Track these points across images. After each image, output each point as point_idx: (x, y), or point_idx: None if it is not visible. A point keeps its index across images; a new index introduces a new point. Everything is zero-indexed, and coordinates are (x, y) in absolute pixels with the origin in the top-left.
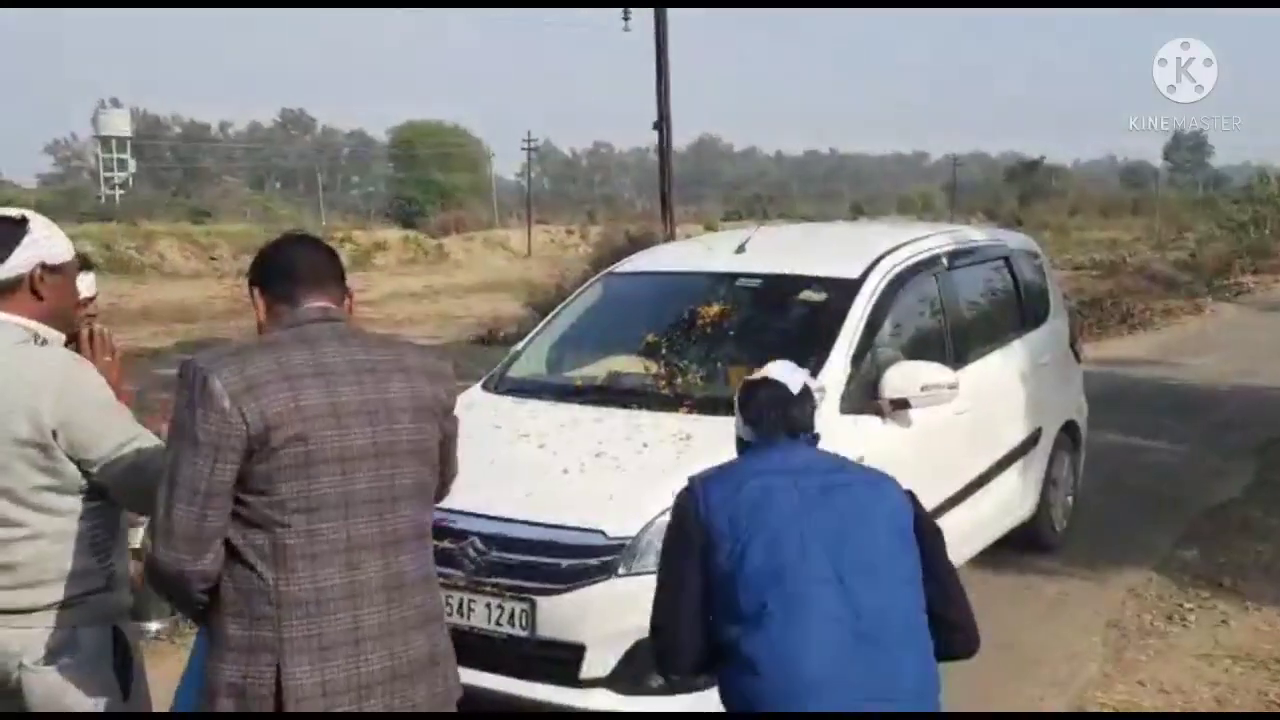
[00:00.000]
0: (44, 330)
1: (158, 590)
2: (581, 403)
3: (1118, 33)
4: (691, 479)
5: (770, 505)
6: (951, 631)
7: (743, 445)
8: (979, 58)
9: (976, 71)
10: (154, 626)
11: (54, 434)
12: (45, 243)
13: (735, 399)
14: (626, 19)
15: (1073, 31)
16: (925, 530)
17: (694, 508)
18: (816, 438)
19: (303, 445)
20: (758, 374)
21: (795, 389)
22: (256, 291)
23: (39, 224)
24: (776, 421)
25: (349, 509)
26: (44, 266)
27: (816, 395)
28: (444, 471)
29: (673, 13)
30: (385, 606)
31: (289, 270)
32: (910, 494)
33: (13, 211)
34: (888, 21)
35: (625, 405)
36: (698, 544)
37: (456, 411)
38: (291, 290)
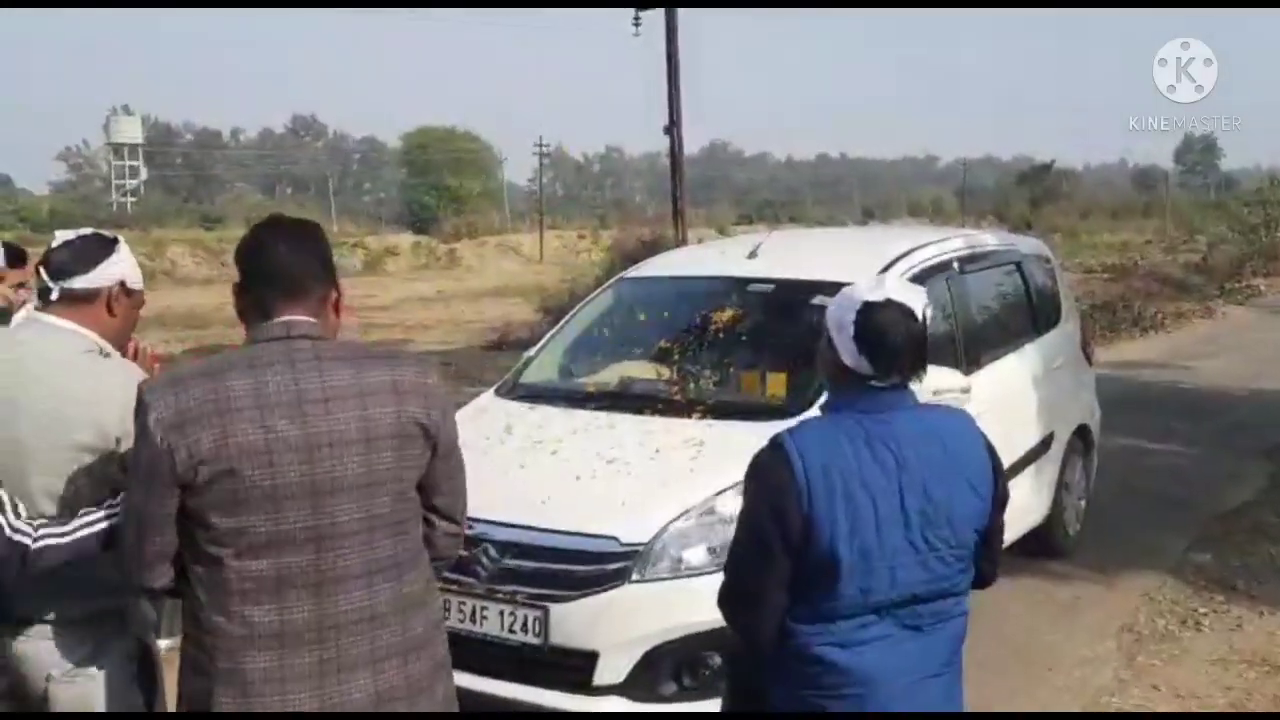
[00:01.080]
0: (105, 345)
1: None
2: (594, 408)
3: (1128, 35)
4: (782, 437)
5: (875, 486)
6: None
7: (841, 378)
8: (989, 61)
9: (987, 76)
10: (164, 644)
11: (118, 441)
12: (129, 266)
13: (845, 322)
14: (637, 23)
15: (1083, 34)
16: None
17: (790, 477)
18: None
19: (230, 482)
20: (877, 294)
21: (921, 314)
22: (235, 286)
23: (125, 249)
24: (900, 364)
25: (281, 548)
26: (123, 286)
27: (929, 318)
28: (440, 490)
29: (684, 17)
30: (317, 647)
31: (261, 274)
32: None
33: (107, 232)
34: (898, 25)
35: (638, 411)
36: (795, 521)
37: (468, 417)
38: (261, 297)
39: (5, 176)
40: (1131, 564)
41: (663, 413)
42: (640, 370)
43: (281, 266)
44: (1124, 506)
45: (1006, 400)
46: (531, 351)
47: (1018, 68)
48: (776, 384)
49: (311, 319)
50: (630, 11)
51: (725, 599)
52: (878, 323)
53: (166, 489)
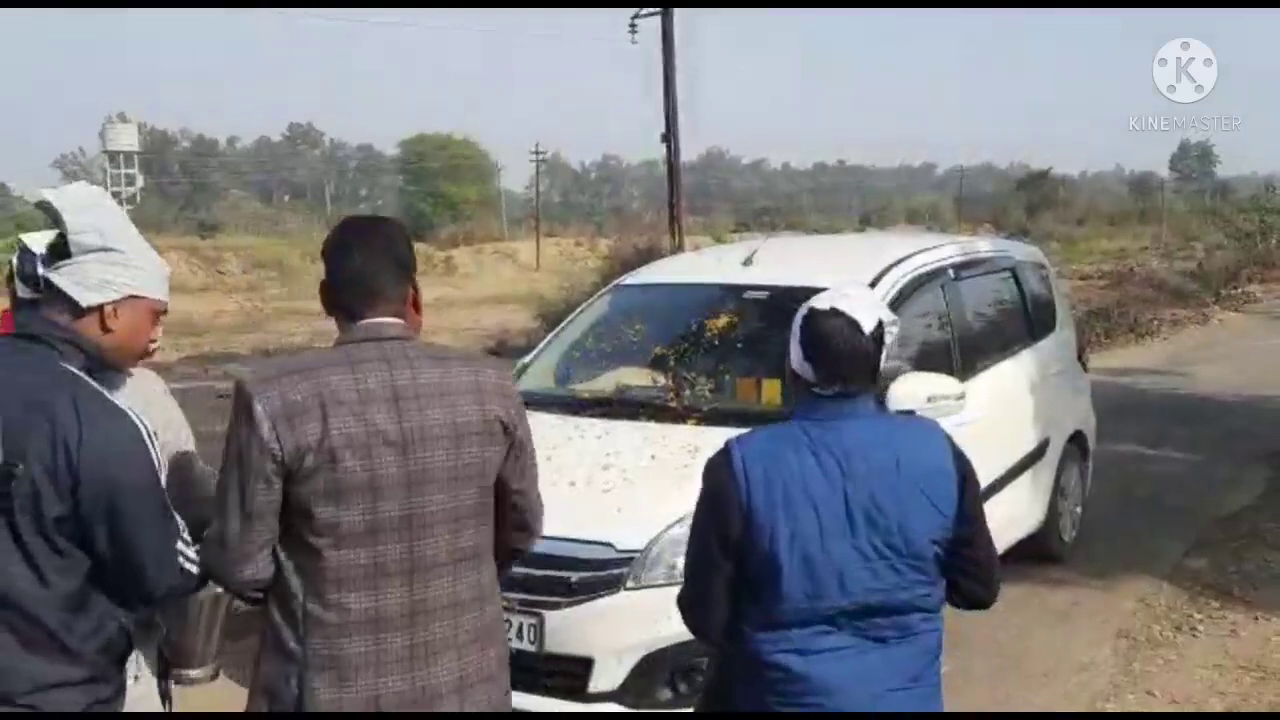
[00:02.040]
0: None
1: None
2: (589, 415)
3: (1125, 42)
4: (730, 444)
5: (817, 494)
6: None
7: (795, 384)
8: (987, 69)
9: (983, 83)
10: (195, 674)
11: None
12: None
13: (796, 328)
14: (634, 30)
15: (1080, 41)
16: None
17: (731, 480)
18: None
19: (333, 473)
20: (825, 302)
21: (869, 327)
22: (322, 289)
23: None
24: (841, 373)
25: (377, 536)
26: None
27: (890, 331)
28: (516, 489)
29: (680, 26)
30: (409, 631)
31: (344, 279)
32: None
33: None
34: (896, 32)
35: (633, 417)
36: (735, 524)
37: None
38: (347, 300)
39: (0, 184)
40: (1127, 570)
41: (658, 419)
42: (636, 377)
43: (362, 274)
44: (1120, 512)
45: (1002, 406)
46: (527, 358)
47: (1015, 75)
48: (772, 390)
49: (398, 320)
50: (628, 19)
51: (679, 599)
52: (820, 331)
53: (275, 479)
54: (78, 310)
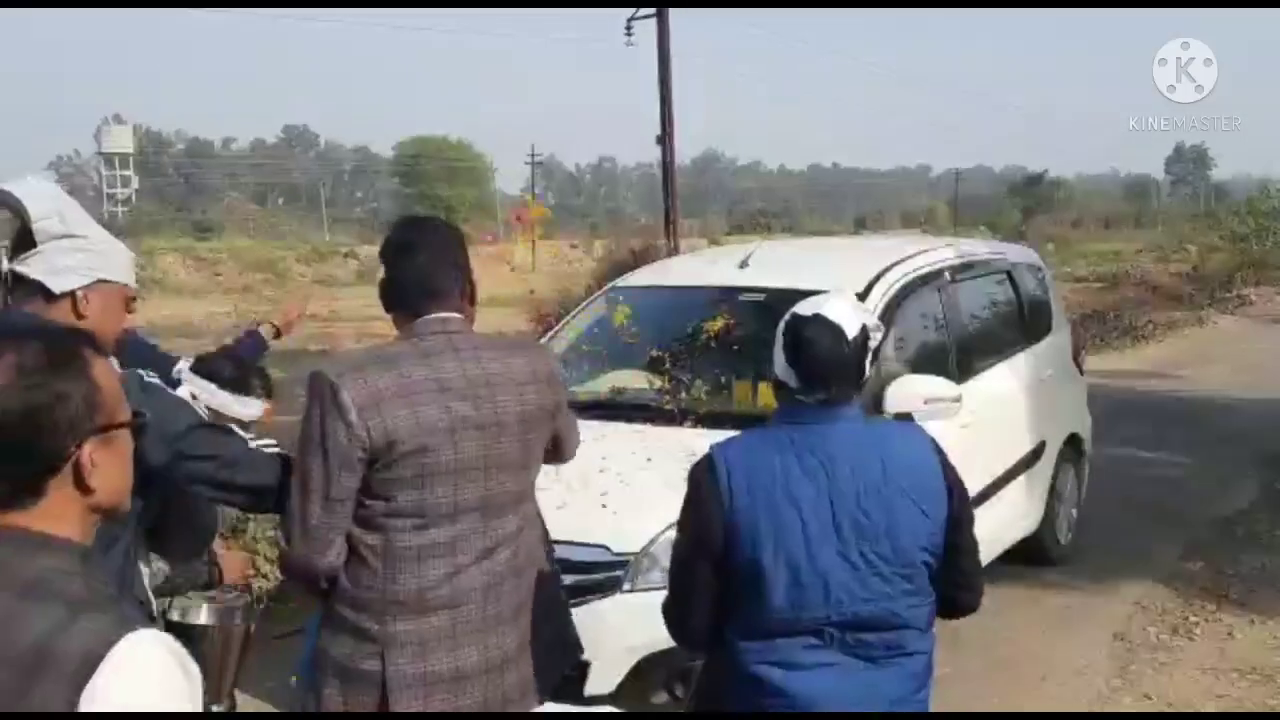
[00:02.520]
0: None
1: (286, 577)
2: (585, 418)
3: (1122, 43)
4: (712, 449)
5: (802, 499)
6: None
7: (778, 390)
8: (982, 70)
9: (979, 85)
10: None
11: None
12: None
13: (779, 334)
14: (629, 32)
15: (1075, 43)
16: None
17: (714, 486)
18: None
19: (420, 458)
20: (809, 309)
21: (852, 333)
22: (383, 286)
23: None
24: (824, 381)
25: (456, 517)
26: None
27: (874, 337)
28: (569, 439)
29: (676, 27)
30: (481, 605)
31: (404, 277)
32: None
33: None
34: (890, 35)
35: (629, 420)
36: (717, 530)
37: None
38: (408, 298)
39: None
40: (1123, 572)
41: (654, 422)
42: (632, 379)
43: (425, 272)
44: (1116, 515)
45: (998, 409)
46: None
47: (1012, 77)
48: (768, 393)
49: (458, 315)
50: (623, 21)
51: (663, 606)
52: (803, 338)
53: (360, 465)
54: (50, 298)
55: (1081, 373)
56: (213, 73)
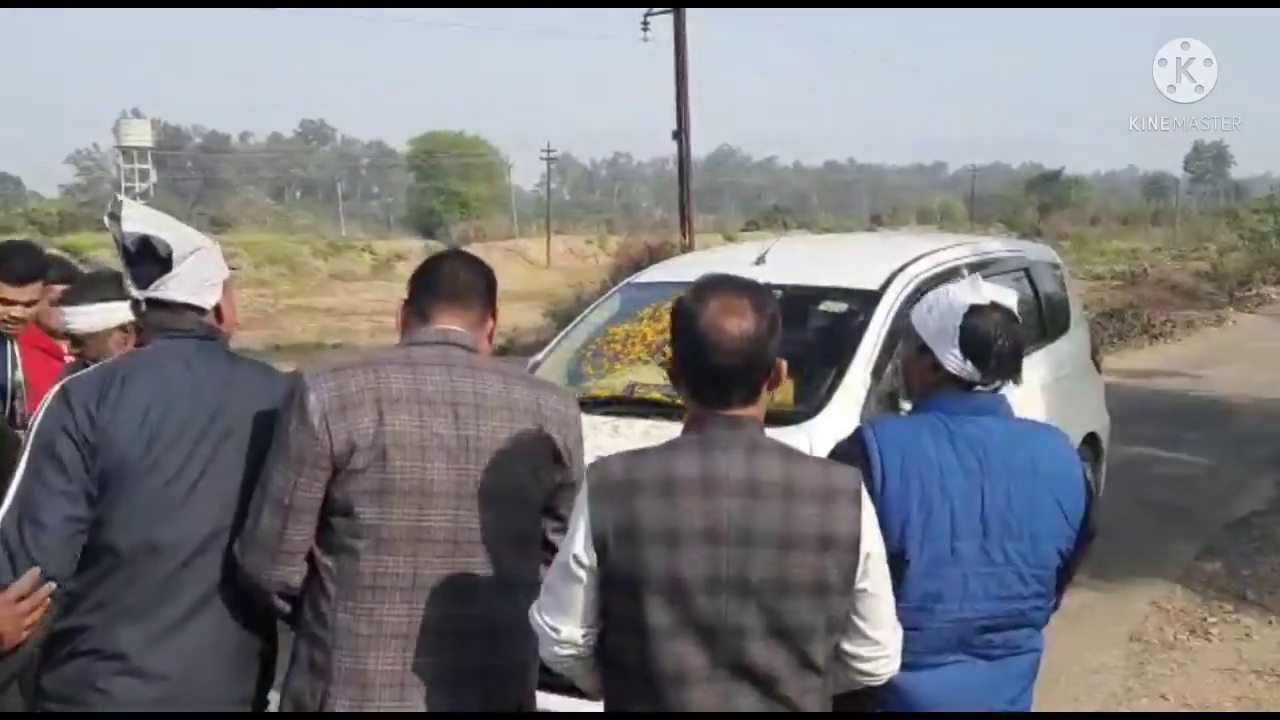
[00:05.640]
0: None
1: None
2: (600, 413)
3: (1136, 39)
4: (862, 429)
5: (954, 489)
6: None
7: (935, 385)
8: (999, 67)
9: (996, 81)
10: None
11: None
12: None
13: (951, 325)
14: (646, 28)
15: (1091, 40)
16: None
17: (865, 467)
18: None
19: (381, 472)
20: (980, 297)
21: (1018, 317)
22: (402, 301)
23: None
24: (1008, 367)
25: (419, 546)
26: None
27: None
28: (556, 526)
29: (692, 24)
30: (439, 654)
31: (428, 286)
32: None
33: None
34: (907, 31)
35: (644, 416)
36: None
37: None
38: (425, 304)
39: (15, 179)
40: (1140, 572)
41: (669, 417)
42: (646, 375)
43: (450, 277)
44: (1133, 515)
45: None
46: (539, 356)
47: (1027, 73)
48: (784, 390)
49: (468, 332)
50: (639, 17)
51: None
52: (985, 326)
53: (321, 473)
54: (202, 311)
55: (1099, 371)
56: (230, 67)
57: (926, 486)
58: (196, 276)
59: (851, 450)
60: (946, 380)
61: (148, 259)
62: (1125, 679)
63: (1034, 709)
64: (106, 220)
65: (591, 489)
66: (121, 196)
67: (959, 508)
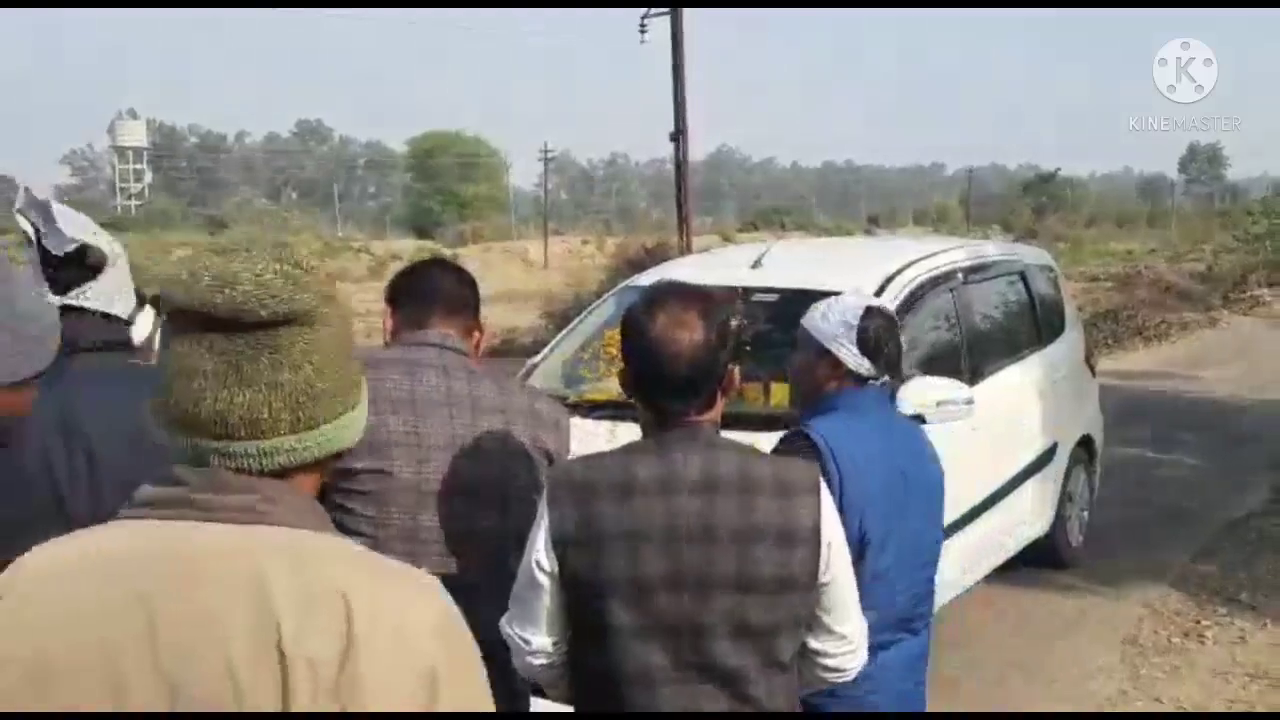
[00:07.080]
0: None
1: None
2: (597, 417)
3: (1133, 40)
4: (804, 429)
5: (891, 472)
6: None
7: (834, 383)
8: (996, 69)
9: (993, 83)
10: None
11: None
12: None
13: (851, 324)
14: (644, 30)
15: (1089, 43)
16: None
17: (824, 464)
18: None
19: (378, 471)
20: (871, 302)
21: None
22: (389, 309)
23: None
24: (895, 362)
25: (415, 545)
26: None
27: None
28: None
29: (689, 25)
30: None
31: (417, 293)
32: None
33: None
34: (905, 31)
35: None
36: None
37: None
38: (417, 312)
39: (9, 179)
40: (1135, 575)
41: None
42: None
43: (441, 287)
44: (1128, 517)
45: (1009, 411)
46: (536, 359)
47: (1024, 75)
48: (780, 394)
49: (462, 337)
50: (637, 18)
51: None
52: (874, 326)
53: None
54: (120, 323)
55: (1094, 373)
56: (226, 67)
57: (873, 473)
58: (118, 285)
59: (804, 446)
60: (847, 376)
61: (75, 263)
62: (1120, 682)
63: (1007, 708)
64: (22, 213)
65: (550, 493)
66: (29, 191)
67: (894, 489)
